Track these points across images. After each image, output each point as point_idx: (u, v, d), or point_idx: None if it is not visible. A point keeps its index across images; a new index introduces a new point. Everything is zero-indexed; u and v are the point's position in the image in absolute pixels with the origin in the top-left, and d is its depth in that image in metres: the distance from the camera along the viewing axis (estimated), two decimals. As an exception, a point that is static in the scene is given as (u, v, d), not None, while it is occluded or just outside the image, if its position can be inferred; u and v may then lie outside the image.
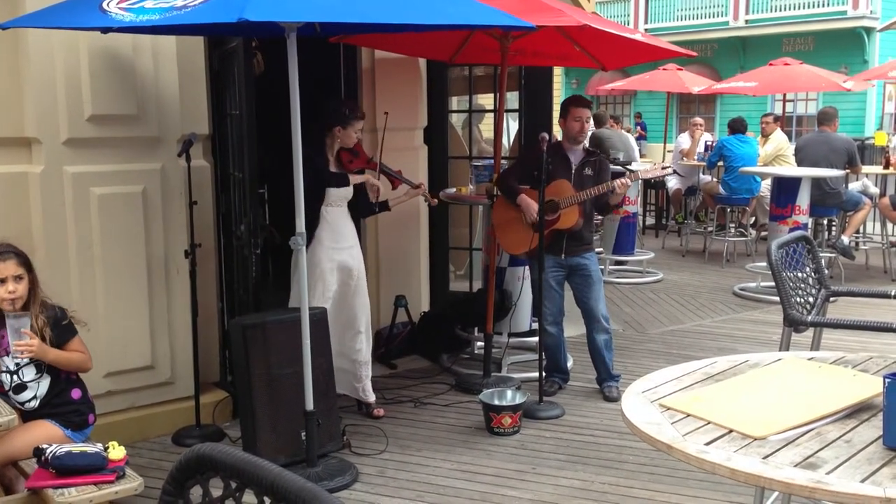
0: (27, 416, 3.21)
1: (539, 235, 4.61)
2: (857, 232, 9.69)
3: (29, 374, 3.24)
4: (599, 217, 8.43)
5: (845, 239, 8.04)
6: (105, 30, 3.66)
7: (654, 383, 2.22)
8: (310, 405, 3.74)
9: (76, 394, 3.37)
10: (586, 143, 5.30)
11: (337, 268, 4.42)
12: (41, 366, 3.25)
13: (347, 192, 4.47)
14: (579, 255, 4.86)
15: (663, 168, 4.99)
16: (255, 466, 1.26)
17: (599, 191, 4.73)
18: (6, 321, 3.13)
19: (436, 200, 5.18)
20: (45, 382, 3.27)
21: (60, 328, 3.27)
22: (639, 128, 20.70)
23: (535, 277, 4.86)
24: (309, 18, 3.34)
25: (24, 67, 3.94)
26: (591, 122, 10.50)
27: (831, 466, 1.72)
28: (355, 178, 4.48)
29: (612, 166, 5.20)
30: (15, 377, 3.22)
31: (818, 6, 21.60)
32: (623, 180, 4.70)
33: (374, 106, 5.47)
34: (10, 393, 3.23)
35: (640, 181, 8.44)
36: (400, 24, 3.77)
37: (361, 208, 4.63)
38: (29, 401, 3.25)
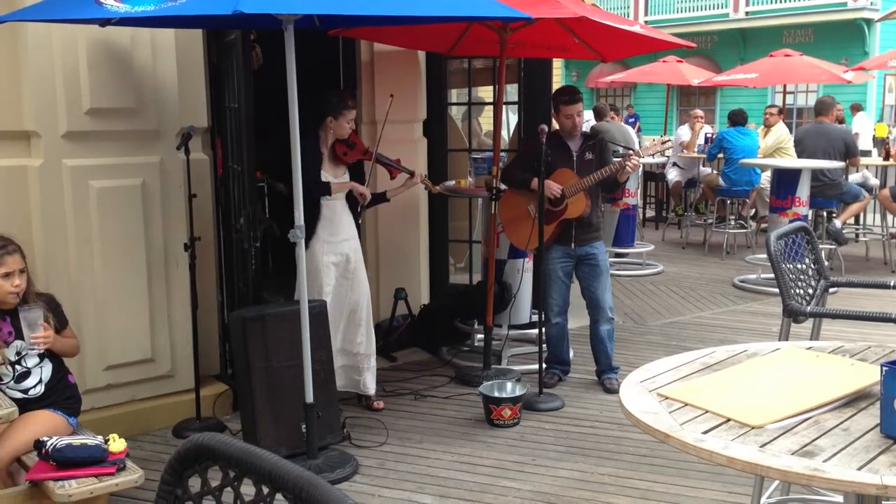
0: (31, 404, 3.21)
1: (539, 227, 4.60)
2: (858, 223, 9.70)
3: (31, 360, 3.27)
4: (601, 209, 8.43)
5: (837, 223, 8.02)
6: (103, 23, 3.66)
7: (653, 373, 2.23)
8: (310, 397, 3.75)
9: (71, 378, 3.43)
10: (586, 128, 5.27)
11: (334, 262, 4.42)
12: (42, 352, 3.28)
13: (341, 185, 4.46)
14: (588, 245, 4.85)
15: (663, 143, 4.95)
16: (253, 456, 1.26)
17: (603, 174, 4.70)
18: (20, 315, 3.18)
19: (438, 188, 5.12)
20: (49, 367, 3.32)
21: (59, 313, 3.36)
22: (632, 119, 20.59)
23: (544, 269, 4.84)
24: (304, 11, 3.34)
25: (22, 61, 3.94)
26: (592, 113, 10.49)
27: (828, 454, 1.72)
28: (338, 188, 4.38)
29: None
30: (18, 366, 3.24)
31: (818, -3, 21.56)
32: (634, 159, 4.65)
33: (373, 99, 5.47)
34: (13, 382, 3.24)
35: (640, 173, 8.46)
36: (398, 16, 3.76)
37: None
38: (34, 386, 3.27)
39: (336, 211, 4.41)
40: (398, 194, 4.79)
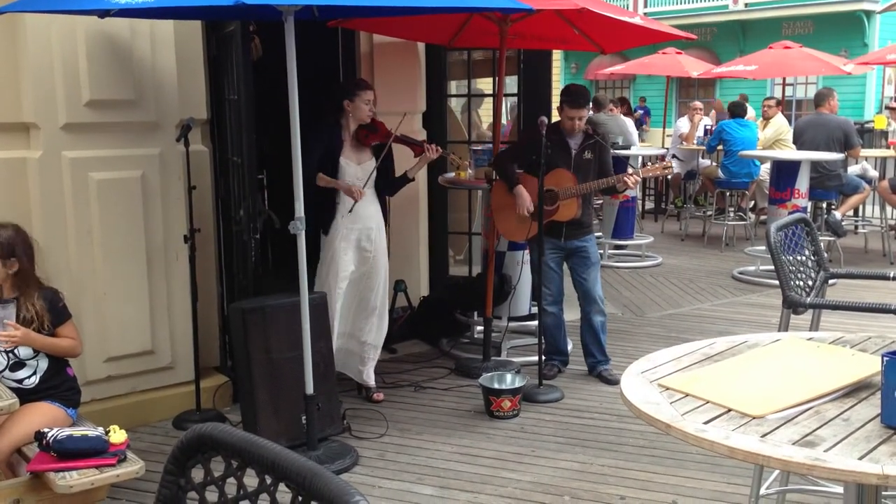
0: (26, 394, 3.20)
1: (539, 223, 4.60)
2: (857, 215, 9.70)
3: (25, 350, 3.25)
4: (599, 202, 8.45)
5: (837, 214, 8.03)
6: (102, 14, 3.65)
7: (654, 364, 2.23)
8: (310, 389, 3.75)
9: (70, 371, 3.41)
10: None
11: (353, 248, 4.43)
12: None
13: (364, 173, 4.46)
14: (578, 239, 4.86)
15: (664, 168, 4.94)
16: (256, 446, 1.26)
17: (600, 185, 4.74)
18: None
19: (465, 161, 5.14)
20: (45, 360, 3.30)
21: (56, 310, 3.30)
22: (640, 111, 20.54)
23: (534, 259, 4.87)
24: (306, 1, 3.32)
25: (21, 52, 3.93)
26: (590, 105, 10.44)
27: (829, 444, 1.72)
28: (324, 182, 4.31)
29: (611, 151, 5.19)
30: (10, 354, 3.23)
31: (818, -11, 21.52)
32: (633, 178, 4.68)
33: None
34: (7, 371, 3.24)
35: (638, 164, 8.45)
36: (398, 6, 3.75)
37: (385, 187, 4.60)
38: (29, 377, 3.26)
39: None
40: (418, 170, 4.73)
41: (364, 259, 4.49)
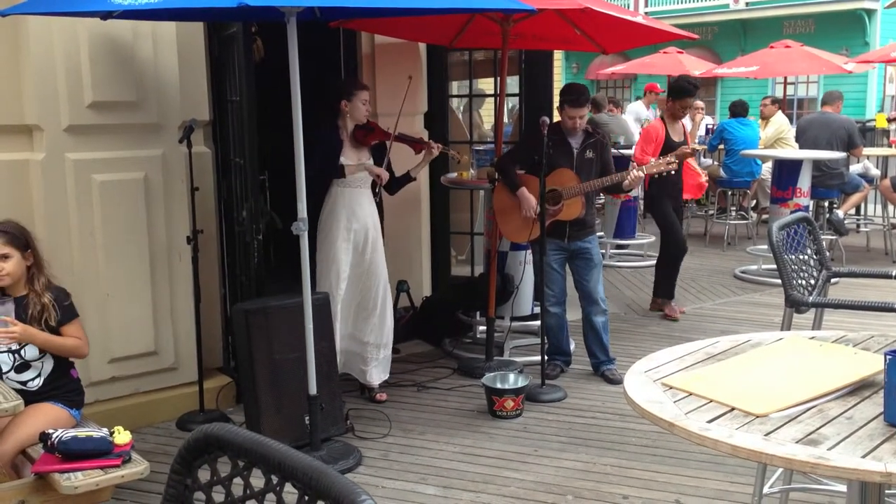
0: (29, 396, 3.19)
1: (541, 224, 4.61)
2: (859, 213, 9.70)
3: (31, 352, 3.26)
4: (601, 202, 8.45)
5: (840, 213, 8.03)
6: (105, 16, 3.66)
7: (657, 363, 2.23)
8: (313, 389, 3.76)
9: (74, 373, 3.42)
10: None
11: (352, 248, 4.45)
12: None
13: (365, 175, 4.47)
14: (581, 240, 4.87)
15: (668, 163, 4.94)
16: (262, 445, 1.27)
17: (604, 183, 4.74)
18: None
19: (466, 157, 5.15)
20: (50, 362, 3.30)
21: (63, 308, 3.30)
22: None
23: (536, 260, 4.87)
24: (308, 2, 3.33)
25: (24, 55, 3.94)
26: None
27: (833, 442, 1.73)
28: (352, 170, 4.38)
29: (613, 150, 5.19)
30: (16, 356, 3.23)
31: (819, -13, 21.52)
32: (635, 174, 4.69)
33: (374, 91, 5.46)
34: (13, 373, 3.24)
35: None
36: (400, 7, 3.76)
37: (388, 186, 4.61)
38: (33, 379, 3.27)
39: (356, 198, 4.43)
40: (421, 168, 4.77)
41: (363, 259, 4.50)
